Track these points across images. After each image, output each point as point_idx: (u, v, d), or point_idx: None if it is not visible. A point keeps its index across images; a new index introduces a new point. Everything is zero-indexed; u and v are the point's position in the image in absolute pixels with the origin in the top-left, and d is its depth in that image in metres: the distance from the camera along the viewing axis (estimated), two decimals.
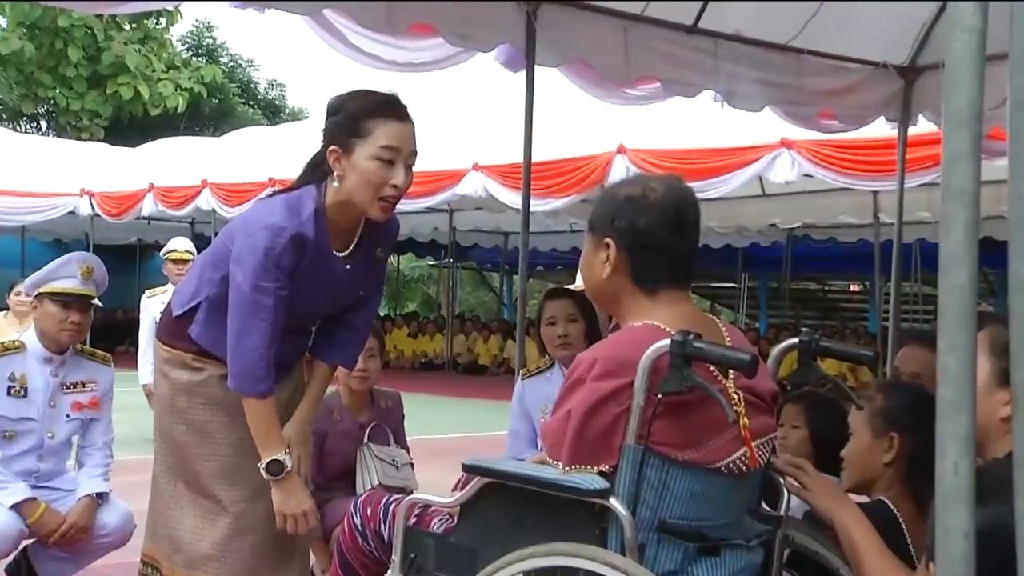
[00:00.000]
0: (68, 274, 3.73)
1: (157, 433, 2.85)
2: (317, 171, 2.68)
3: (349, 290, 2.79)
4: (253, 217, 2.64)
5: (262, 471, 2.61)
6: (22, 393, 3.74)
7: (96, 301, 3.83)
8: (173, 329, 2.79)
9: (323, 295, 2.74)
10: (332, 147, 2.61)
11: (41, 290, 3.74)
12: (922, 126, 6.55)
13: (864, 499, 2.65)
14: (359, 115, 2.58)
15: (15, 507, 3.61)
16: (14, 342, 3.83)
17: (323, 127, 2.67)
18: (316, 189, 2.65)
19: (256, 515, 2.72)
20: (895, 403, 2.61)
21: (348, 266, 2.73)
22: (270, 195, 2.78)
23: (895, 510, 2.50)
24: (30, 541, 3.77)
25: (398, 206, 2.67)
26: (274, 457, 2.61)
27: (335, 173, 2.61)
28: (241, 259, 2.57)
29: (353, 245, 2.73)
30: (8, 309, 7.61)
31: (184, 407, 2.75)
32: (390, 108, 2.60)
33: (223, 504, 2.71)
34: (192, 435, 2.74)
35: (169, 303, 2.86)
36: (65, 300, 3.72)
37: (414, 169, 2.64)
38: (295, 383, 2.86)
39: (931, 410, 2.50)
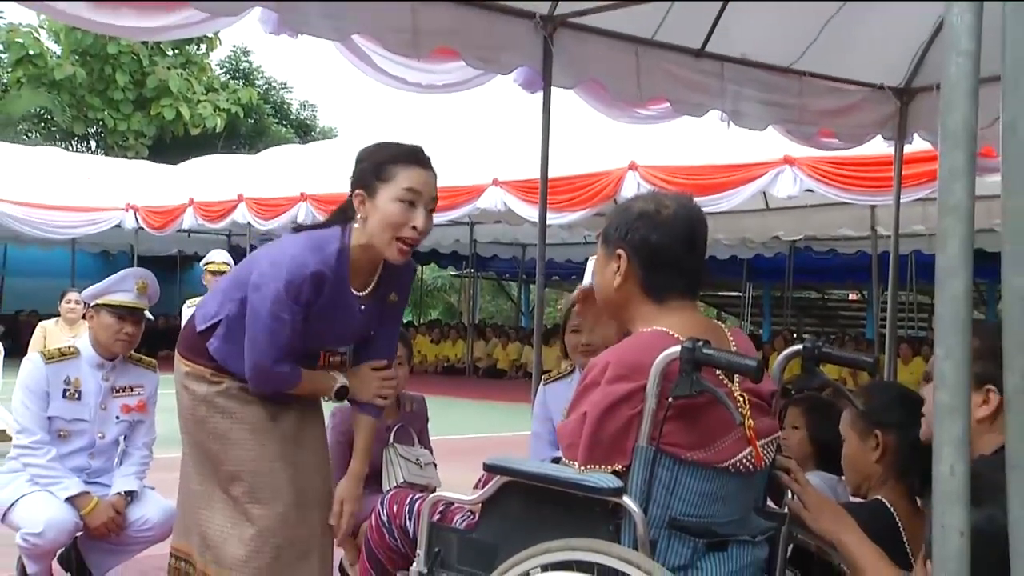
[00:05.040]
0: (125, 288, 3.78)
1: (184, 438, 2.84)
2: (344, 215, 2.70)
3: (360, 328, 2.80)
4: (280, 250, 2.65)
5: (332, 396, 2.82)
6: (76, 396, 3.78)
7: (147, 314, 3.87)
8: (193, 343, 2.79)
9: (334, 331, 2.74)
10: (358, 191, 2.63)
11: (99, 301, 3.78)
12: (917, 144, 6.53)
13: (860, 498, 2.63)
14: (385, 161, 2.60)
15: (69, 500, 3.66)
16: (70, 348, 3.88)
17: (351, 175, 2.68)
18: (341, 231, 2.66)
19: (279, 522, 2.70)
20: (874, 403, 2.60)
21: (363, 306, 2.73)
22: (295, 230, 2.79)
23: (891, 509, 2.48)
24: (80, 533, 3.79)
25: None
26: (339, 385, 2.78)
27: (359, 215, 2.63)
28: (263, 286, 2.58)
29: (372, 286, 2.74)
30: (59, 316, 7.71)
31: (204, 416, 2.75)
32: (414, 156, 2.62)
33: (248, 515, 2.70)
34: (215, 443, 2.74)
35: (192, 317, 2.87)
36: (120, 312, 3.76)
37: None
38: (297, 412, 2.82)
39: (909, 405, 2.50)
